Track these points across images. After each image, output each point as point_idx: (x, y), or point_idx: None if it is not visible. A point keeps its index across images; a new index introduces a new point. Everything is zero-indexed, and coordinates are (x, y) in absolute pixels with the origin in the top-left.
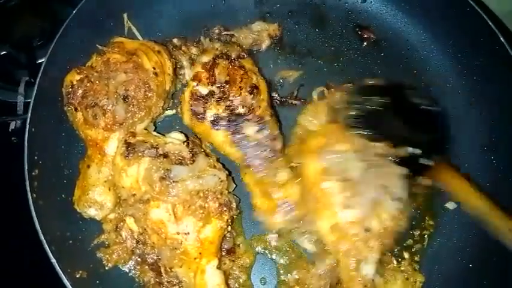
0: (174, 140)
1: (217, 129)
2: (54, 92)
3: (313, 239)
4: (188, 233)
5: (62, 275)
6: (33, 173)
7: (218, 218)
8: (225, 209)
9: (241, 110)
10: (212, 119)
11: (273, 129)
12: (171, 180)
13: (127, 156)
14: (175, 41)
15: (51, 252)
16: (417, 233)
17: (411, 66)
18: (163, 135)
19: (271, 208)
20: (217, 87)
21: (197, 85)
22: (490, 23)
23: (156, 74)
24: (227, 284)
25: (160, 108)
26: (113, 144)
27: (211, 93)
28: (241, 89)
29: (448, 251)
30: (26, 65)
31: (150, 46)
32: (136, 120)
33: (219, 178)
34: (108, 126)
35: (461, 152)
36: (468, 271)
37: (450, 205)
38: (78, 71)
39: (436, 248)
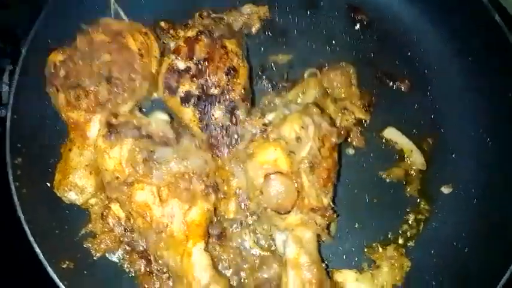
0: (158, 120)
1: (186, 106)
2: (37, 79)
3: (262, 241)
4: (174, 216)
5: (47, 265)
6: (16, 162)
7: (204, 200)
8: (210, 191)
9: (214, 91)
10: (183, 95)
11: (242, 115)
12: (155, 162)
13: (109, 137)
14: (162, 24)
15: (36, 242)
16: (412, 217)
17: (405, 48)
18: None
19: (227, 195)
20: (195, 63)
21: (176, 58)
22: (486, 1)
23: (141, 55)
24: (215, 267)
25: (146, 90)
26: (95, 127)
27: (187, 69)
28: (218, 69)
29: (443, 235)
30: (10, 54)
31: (136, 27)
32: (119, 102)
33: (205, 160)
34: (90, 107)
35: (456, 135)
36: (464, 255)
37: (445, 189)
38: (61, 52)
39: (432, 232)
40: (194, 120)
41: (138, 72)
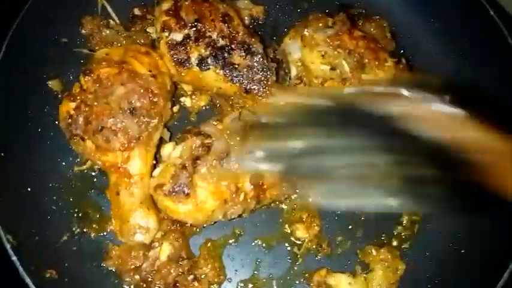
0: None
1: (206, 69)
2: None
3: None
4: None
5: (24, 274)
6: None
7: None
8: None
9: (222, 42)
10: (197, 61)
11: (259, 49)
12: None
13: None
14: (136, 11)
15: (12, 249)
16: (406, 219)
17: (397, 45)
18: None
19: None
20: (190, 28)
21: (169, 34)
22: None
23: (154, 76)
24: None
25: (169, 110)
26: (135, 163)
27: (187, 37)
28: (213, 22)
29: (438, 237)
30: None
31: (136, 49)
32: (151, 130)
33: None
34: (125, 145)
35: None
36: (460, 258)
37: None
38: (71, 98)
39: (427, 234)
40: (219, 78)
41: (158, 94)
